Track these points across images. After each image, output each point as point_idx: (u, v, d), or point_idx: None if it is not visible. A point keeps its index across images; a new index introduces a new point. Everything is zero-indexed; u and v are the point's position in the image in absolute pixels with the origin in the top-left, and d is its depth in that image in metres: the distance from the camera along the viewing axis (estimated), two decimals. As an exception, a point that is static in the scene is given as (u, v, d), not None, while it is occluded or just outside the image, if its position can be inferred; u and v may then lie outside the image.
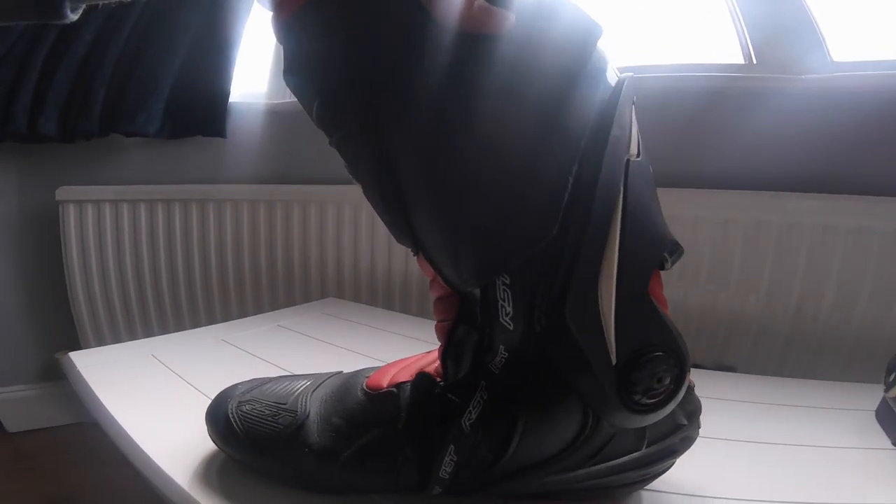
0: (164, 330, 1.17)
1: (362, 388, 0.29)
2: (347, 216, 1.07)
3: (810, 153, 0.78)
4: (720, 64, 0.93)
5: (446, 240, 0.24)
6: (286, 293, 1.13)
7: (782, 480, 0.35)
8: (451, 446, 0.25)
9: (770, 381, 0.55)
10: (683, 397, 0.26)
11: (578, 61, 0.22)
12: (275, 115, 1.18)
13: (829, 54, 0.86)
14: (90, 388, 0.51)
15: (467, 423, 0.25)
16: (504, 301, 0.23)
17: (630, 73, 0.24)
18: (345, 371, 0.34)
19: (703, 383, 0.52)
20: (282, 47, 0.25)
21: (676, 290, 0.81)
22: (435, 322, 0.28)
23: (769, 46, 0.89)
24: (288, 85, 0.26)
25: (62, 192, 1.16)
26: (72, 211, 1.16)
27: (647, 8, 1.06)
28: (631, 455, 0.26)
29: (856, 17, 0.91)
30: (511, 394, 0.24)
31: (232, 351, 0.65)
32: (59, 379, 1.23)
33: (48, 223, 1.19)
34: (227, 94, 1.15)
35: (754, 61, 0.89)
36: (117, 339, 1.19)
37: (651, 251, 0.23)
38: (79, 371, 0.55)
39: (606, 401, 0.23)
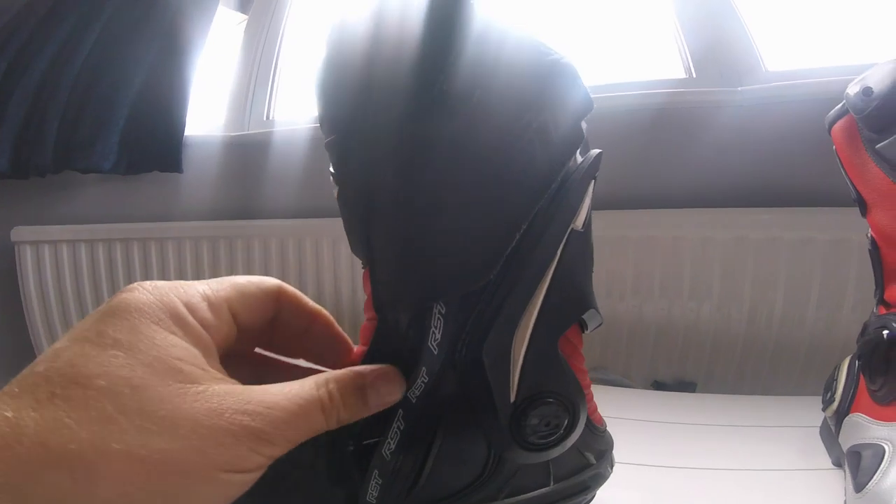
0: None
1: None
2: (309, 249, 1.07)
3: (753, 167, 0.81)
4: (661, 80, 0.94)
5: (399, 259, 0.26)
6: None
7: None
8: (375, 471, 0.27)
9: (725, 399, 0.57)
10: (594, 438, 0.29)
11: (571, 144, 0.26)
12: (233, 148, 1.17)
13: (763, 64, 0.89)
14: None
15: (387, 452, 0.27)
16: (435, 328, 0.26)
17: (599, 151, 0.27)
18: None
19: (659, 406, 0.54)
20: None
21: (632, 307, 0.82)
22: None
23: (707, 59, 0.91)
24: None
25: (17, 233, 1.14)
26: (28, 252, 1.13)
27: (590, 26, 1.08)
28: (539, 490, 0.28)
29: (786, 26, 0.95)
30: (426, 422, 0.27)
31: None
32: None
33: (4, 264, 1.16)
34: (182, 128, 1.14)
35: (694, 75, 0.92)
36: None
37: (568, 313, 0.27)
38: None
39: (501, 433, 0.26)
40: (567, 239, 0.26)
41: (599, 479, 0.30)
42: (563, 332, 0.27)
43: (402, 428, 0.27)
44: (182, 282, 0.22)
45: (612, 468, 0.30)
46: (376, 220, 0.27)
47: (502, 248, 0.25)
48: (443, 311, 0.25)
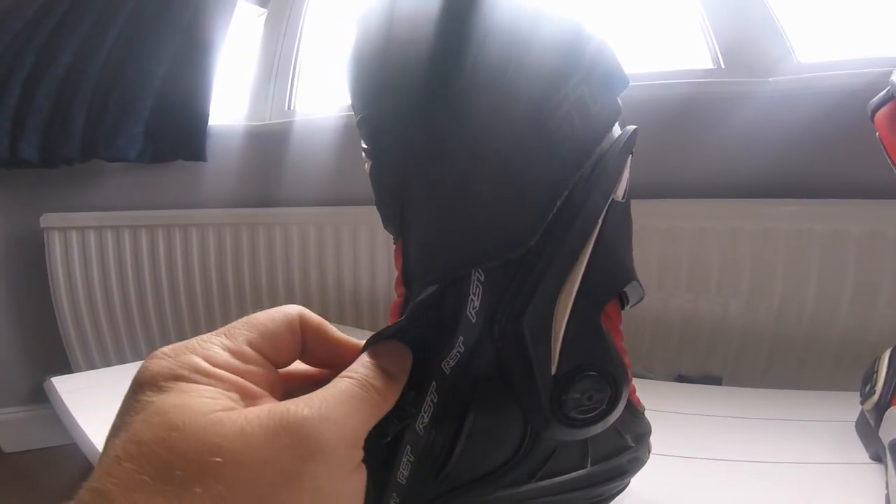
0: (153, 352, 1.17)
1: None
2: (329, 237, 1.08)
3: (782, 157, 0.79)
4: (689, 70, 0.93)
5: (437, 228, 0.25)
6: (271, 315, 1.13)
7: (757, 499, 0.35)
8: (408, 447, 0.26)
9: (753, 393, 0.56)
10: (633, 419, 0.28)
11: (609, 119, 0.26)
12: (255, 138, 1.18)
13: (795, 55, 0.87)
14: (70, 413, 0.51)
15: (421, 427, 0.26)
16: (474, 296, 0.25)
17: (635, 126, 0.27)
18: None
19: (684, 398, 0.53)
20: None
21: (657, 299, 0.81)
22: None
23: (736, 50, 0.89)
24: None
25: (46, 220, 1.16)
26: (57, 238, 1.16)
27: (615, 17, 1.07)
28: (576, 473, 0.27)
29: (819, 18, 0.92)
30: (459, 396, 0.26)
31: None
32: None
33: (33, 248, 1.19)
34: (206, 117, 1.16)
35: (722, 65, 0.90)
36: (106, 362, 1.19)
37: (610, 285, 0.26)
38: (60, 396, 0.56)
39: (540, 408, 0.25)
40: (608, 209, 0.25)
41: (637, 462, 0.29)
42: (606, 303, 0.26)
43: (435, 401, 0.26)
44: (199, 337, 0.22)
45: (649, 453, 0.29)
46: (411, 192, 0.26)
47: (543, 214, 0.24)
48: (482, 279, 0.25)
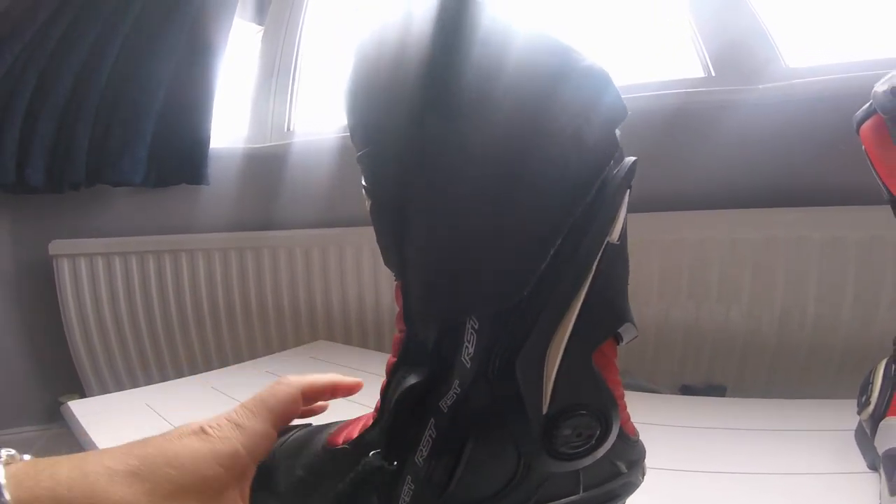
0: (163, 373, 1.19)
1: (324, 446, 0.33)
2: (333, 258, 1.09)
3: (777, 165, 0.79)
4: (680, 80, 0.93)
5: (434, 274, 0.27)
6: (279, 336, 1.15)
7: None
8: (409, 476, 0.28)
9: (756, 404, 0.56)
10: (625, 447, 0.29)
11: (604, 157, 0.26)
12: (256, 160, 1.20)
13: (783, 60, 0.87)
14: (89, 437, 0.54)
15: (420, 459, 0.28)
16: (469, 342, 0.26)
17: (634, 158, 0.27)
18: (314, 423, 0.37)
19: (688, 411, 0.54)
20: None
21: (659, 311, 0.81)
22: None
23: (726, 57, 0.89)
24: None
25: (55, 247, 1.18)
26: (66, 265, 1.18)
27: (608, 28, 1.07)
28: (569, 498, 0.28)
29: (804, 22, 0.92)
30: (457, 431, 0.27)
31: (221, 399, 0.67)
32: (65, 420, 1.24)
33: (43, 273, 1.21)
34: (207, 141, 1.17)
35: (713, 73, 0.90)
36: (118, 383, 1.21)
37: (604, 327, 0.27)
38: (78, 420, 0.59)
39: (532, 443, 0.26)
40: (603, 252, 0.25)
41: (630, 487, 0.30)
42: (599, 345, 0.26)
43: (433, 436, 0.27)
44: (221, 414, 0.29)
45: (643, 477, 0.30)
46: (410, 233, 0.27)
47: (536, 265, 0.24)
48: (476, 327, 0.26)
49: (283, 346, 1.08)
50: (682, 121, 0.85)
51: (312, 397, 0.33)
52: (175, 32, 1.16)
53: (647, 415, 0.52)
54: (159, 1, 1.16)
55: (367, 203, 0.29)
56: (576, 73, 0.26)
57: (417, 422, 0.28)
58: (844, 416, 0.46)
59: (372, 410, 0.32)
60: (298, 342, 1.09)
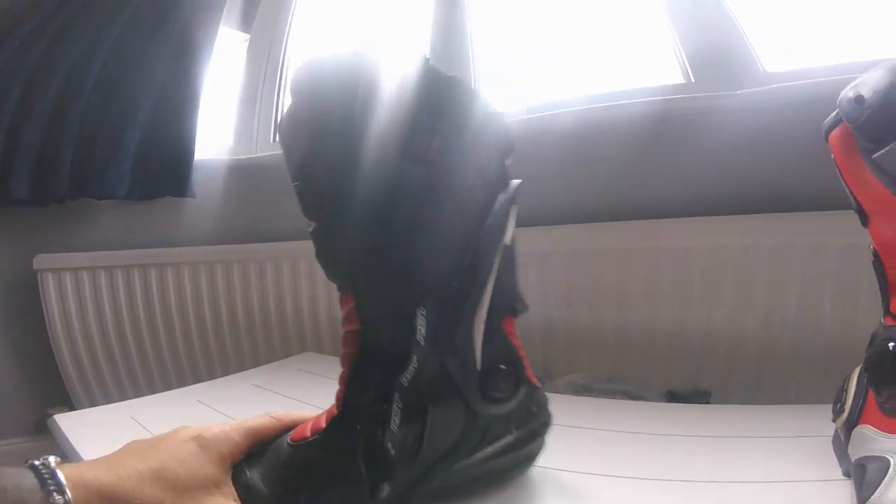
0: (151, 384, 1.18)
1: (288, 443, 0.38)
2: (320, 270, 1.06)
3: (757, 171, 0.80)
4: (659, 86, 0.94)
5: (392, 283, 0.36)
6: (266, 348, 1.15)
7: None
8: (389, 444, 0.35)
9: (735, 410, 0.57)
10: (534, 393, 0.40)
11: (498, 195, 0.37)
12: (242, 172, 1.19)
13: (761, 65, 0.88)
14: (75, 450, 0.55)
15: (394, 427, 0.35)
16: (421, 326, 0.36)
17: (519, 181, 0.36)
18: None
19: (670, 419, 0.54)
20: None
21: (645, 319, 0.82)
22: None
23: (704, 63, 0.90)
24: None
25: (39, 261, 1.17)
26: (51, 279, 1.17)
27: (588, 36, 1.08)
28: (505, 439, 0.38)
29: (783, 25, 0.93)
30: (419, 399, 0.36)
31: (208, 412, 0.67)
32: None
33: (28, 287, 1.19)
34: (192, 153, 1.16)
35: (692, 79, 0.91)
36: (106, 395, 1.20)
37: (506, 305, 0.38)
38: (64, 433, 0.59)
39: (474, 394, 0.37)
40: (502, 253, 0.36)
41: (545, 426, 0.40)
42: (504, 319, 0.38)
43: (400, 406, 0.35)
44: (216, 423, 0.37)
45: (552, 418, 0.41)
46: (365, 265, 0.36)
47: (461, 266, 0.36)
48: (424, 314, 0.35)
49: (270, 358, 1.07)
50: (662, 128, 0.85)
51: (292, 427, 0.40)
52: (161, 41, 1.16)
53: (626, 423, 0.53)
54: (146, 10, 1.15)
55: (310, 226, 0.37)
56: (490, 119, 0.36)
57: (382, 398, 0.35)
58: (824, 422, 0.46)
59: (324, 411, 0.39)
60: (286, 354, 1.08)
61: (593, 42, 1.08)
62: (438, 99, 0.34)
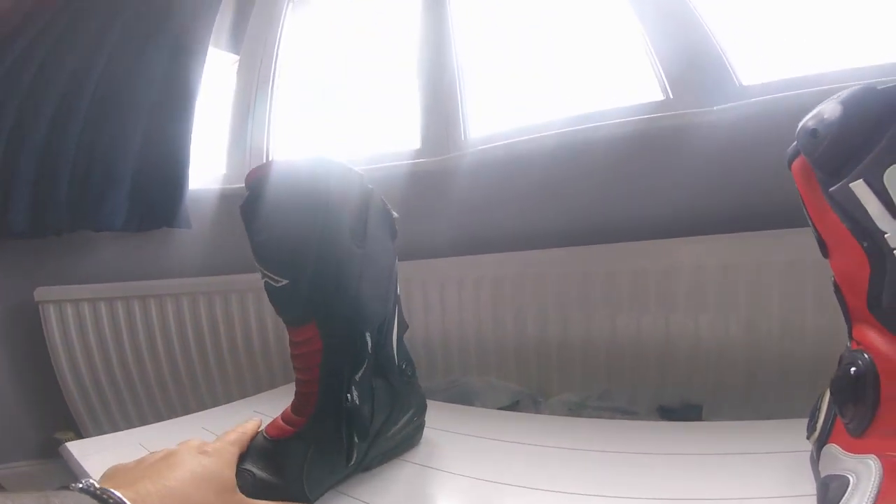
0: (156, 411, 1.20)
1: (266, 437, 0.50)
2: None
3: (737, 188, 0.80)
4: (639, 105, 0.95)
5: (341, 318, 0.52)
6: (268, 375, 1.16)
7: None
8: (362, 412, 0.53)
9: (724, 427, 0.58)
10: (416, 391, 0.62)
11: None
12: (235, 200, 1.19)
13: (737, 79, 0.88)
14: (89, 475, 0.56)
15: (356, 403, 0.51)
16: (369, 342, 0.53)
17: (396, 261, 0.60)
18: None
19: (660, 437, 0.55)
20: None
21: (631, 336, 0.84)
22: (298, 374, 0.53)
23: (681, 78, 0.91)
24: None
25: (40, 293, 1.19)
26: (52, 311, 1.19)
27: (568, 55, 1.10)
28: (408, 414, 0.59)
29: (759, 38, 0.94)
30: (367, 389, 0.53)
31: (211, 439, 0.68)
32: (59, 456, 1.24)
33: (30, 318, 1.21)
34: (185, 183, 1.18)
35: (671, 96, 0.92)
36: (111, 421, 1.22)
37: (403, 326, 0.61)
38: (77, 460, 0.64)
39: (396, 376, 0.58)
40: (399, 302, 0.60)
41: (424, 406, 0.62)
42: (403, 334, 0.60)
43: (357, 392, 0.51)
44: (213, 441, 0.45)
45: (425, 400, 0.63)
46: (328, 307, 0.51)
47: (391, 304, 0.58)
48: (370, 334, 0.54)
49: (272, 384, 1.09)
50: (638, 150, 0.86)
51: None
52: (151, 66, 1.17)
53: (607, 443, 0.55)
54: (135, 31, 1.16)
55: (280, 283, 0.49)
56: (388, 215, 0.59)
57: (346, 390, 0.51)
58: (802, 438, 0.47)
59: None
60: (287, 379, 1.09)
61: (574, 60, 1.09)
62: (367, 204, 0.54)
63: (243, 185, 0.48)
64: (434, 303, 1.01)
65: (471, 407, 0.82)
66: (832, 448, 0.38)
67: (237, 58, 1.41)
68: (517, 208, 0.96)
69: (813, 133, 0.37)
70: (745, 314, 0.77)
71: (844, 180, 0.35)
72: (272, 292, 0.51)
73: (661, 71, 0.94)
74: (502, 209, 0.98)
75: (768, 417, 0.59)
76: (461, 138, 1.12)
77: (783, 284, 0.75)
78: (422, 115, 1.17)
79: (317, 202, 0.49)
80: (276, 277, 0.49)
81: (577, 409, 0.77)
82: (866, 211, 0.34)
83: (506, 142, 0.99)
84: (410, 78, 1.21)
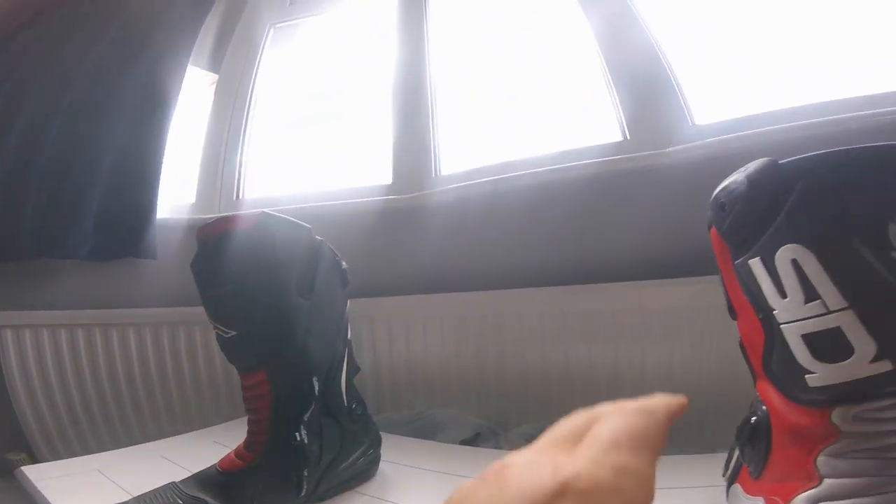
0: (115, 438, 1.17)
1: (219, 470, 0.54)
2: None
3: (690, 232, 0.82)
4: (597, 146, 0.96)
5: (293, 365, 0.57)
6: (230, 406, 1.16)
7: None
8: (309, 450, 0.56)
9: (661, 461, 0.61)
10: (370, 421, 0.66)
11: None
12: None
13: (691, 119, 0.88)
14: (46, 500, 0.59)
15: (304, 441, 0.56)
16: (317, 383, 0.58)
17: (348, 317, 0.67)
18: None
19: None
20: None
21: (581, 368, 0.87)
22: (249, 415, 0.57)
23: (639, 119, 0.91)
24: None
25: (-1, 318, 1.17)
26: (10, 336, 1.16)
27: (530, 96, 1.13)
28: (361, 448, 0.63)
29: (713, 75, 0.94)
30: (315, 428, 0.57)
31: (171, 468, 0.71)
32: (10, 476, 1.19)
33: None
34: (153, 213, 1.17)
35: (628, 136, 0.94)
36: (67, 446, 1.18)
37: (354, 369, 0.65)
38: (34, 484, 0.64)
39: (345, 416, 0.61)
40: (350, 347, 0.64)
41: (378, 440, 0.66)
42: (353, 377, 0.64)
43: (306, 431, 0.56)
44: None
45: (380, 443, 0.67)
46: (278, 356, 0.56)
47: (338, 352, 0.62)
48: (319, 378, 0.58)
49: (234, 413, 1.08)
50: (600, 192, 0.87)
51: None
52: (125, 90, 1.16)
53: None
54: (109, 64, 1.16)
55: (229, 333, 0.55)
56: (338, 266, 0.64)
57: (295, 428, 0.55)
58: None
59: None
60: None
61: (544, 98, 1.11)
62: (315, 257, 0.58)
63: (212, 216, 0.52)
64: (399, 337, 1.03)
65: (428, 441, 0.84)
66: (737, 488, 0.41)
67: (216, 77, 1.41)
68: (480, 249, 0.99)
69: (721, 207, 0.39)
70: (680, 360, 0.79)
71: (744, 256, 0.37)
72: (222, 342, 0.56)
73: (621, 110, 0.95)
74: (469, 249, 1.00)
75: (712, 450, 0.61)
76: (432, 175, 1.15)
77: (722, 328, 0.78)
78: (394, 149, 1.19)
79: (262, 259, 0.53)
80: (225, 329, 0.53)
81: (533, 441, 0.79)
82: (760, 288, 0.36)
83: (476, 181, 1.01)
84: (385, 111, 1.23)
